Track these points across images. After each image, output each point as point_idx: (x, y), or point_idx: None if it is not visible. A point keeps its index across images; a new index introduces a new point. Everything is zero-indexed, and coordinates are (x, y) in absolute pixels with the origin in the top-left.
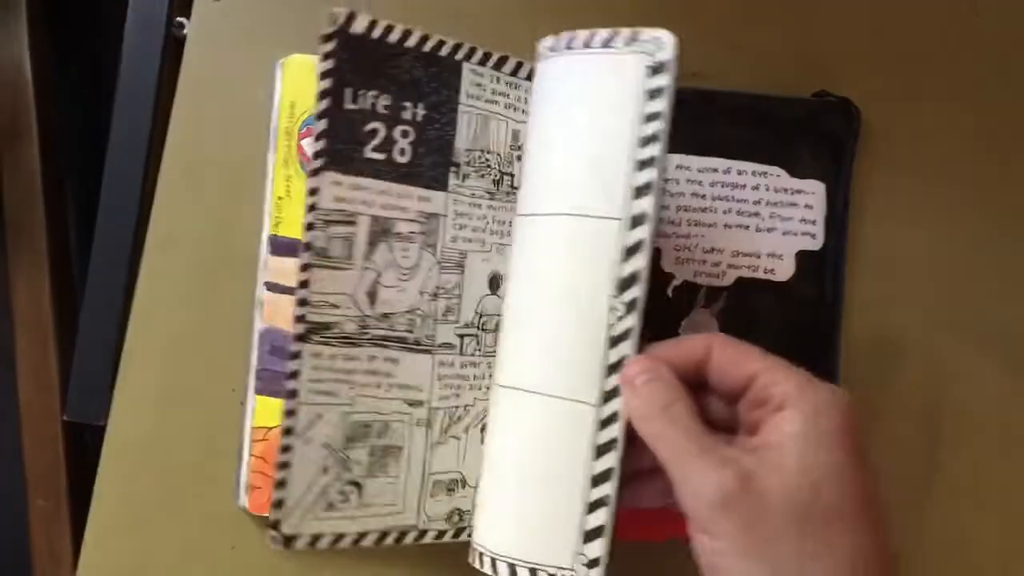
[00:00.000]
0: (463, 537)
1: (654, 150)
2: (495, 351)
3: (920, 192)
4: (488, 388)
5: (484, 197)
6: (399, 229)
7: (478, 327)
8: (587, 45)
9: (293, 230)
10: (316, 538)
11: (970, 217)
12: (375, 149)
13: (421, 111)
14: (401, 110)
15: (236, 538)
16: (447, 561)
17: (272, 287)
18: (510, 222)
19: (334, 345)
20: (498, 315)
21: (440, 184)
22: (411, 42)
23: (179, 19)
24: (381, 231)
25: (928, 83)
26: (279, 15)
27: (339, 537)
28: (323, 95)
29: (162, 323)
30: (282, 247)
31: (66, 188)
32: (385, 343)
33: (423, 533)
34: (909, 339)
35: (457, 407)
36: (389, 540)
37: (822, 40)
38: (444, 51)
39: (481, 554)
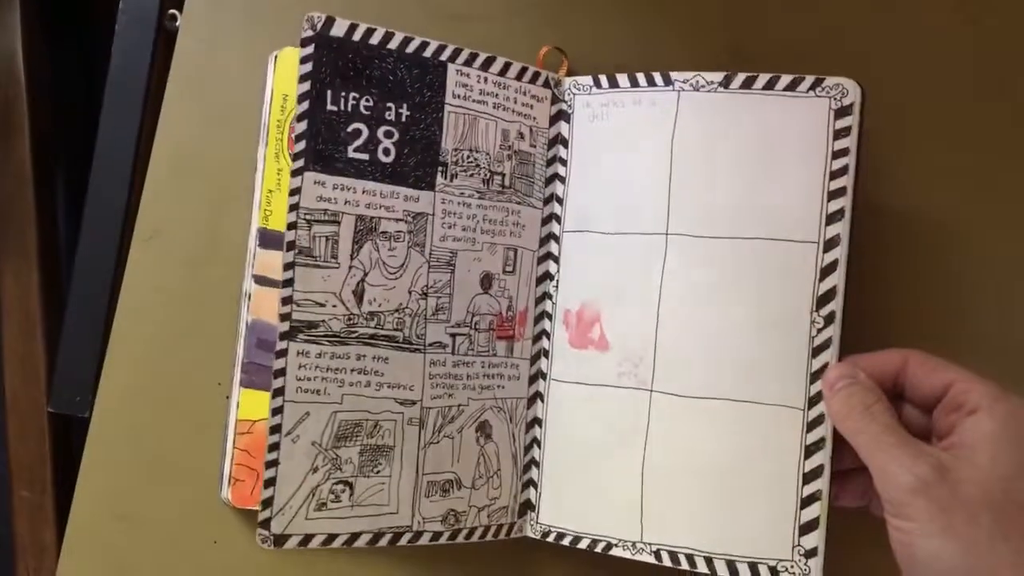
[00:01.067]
0: (459, 539)
1: (843, 182)
2: (487, 350)
3: (914, 195)
4: (483, 388)
5: (473, 196)
6: (385, 228)
7: (471, 326)
8: (768, 87)
9: (283, 223)
10: (308, 538)
11: (963, 220)
12: (358, 149)
13: (405, 111)
14: (385, 111)
15: (219, 531)
16: (433, 560)
17: (260, 280)
18: (502, 220)
19: (321, 343)
20: (491, 314)
21: (427, 183)
22: (393, 44)
23: (171, 11)
24: (367, 230)
25: (924, 86)
26: (272, 8)
27: (331, 537)
28: (303, 97)
29: (148, 315)
30: (271, 240)
31: (56, 180)
32: (374, 342)
33: (418, 535)
34: (903, 343)
35: (450, 407)
36: (383, 541)
37: (817, 40)
38: (428, 52)
39: (691, 556)
